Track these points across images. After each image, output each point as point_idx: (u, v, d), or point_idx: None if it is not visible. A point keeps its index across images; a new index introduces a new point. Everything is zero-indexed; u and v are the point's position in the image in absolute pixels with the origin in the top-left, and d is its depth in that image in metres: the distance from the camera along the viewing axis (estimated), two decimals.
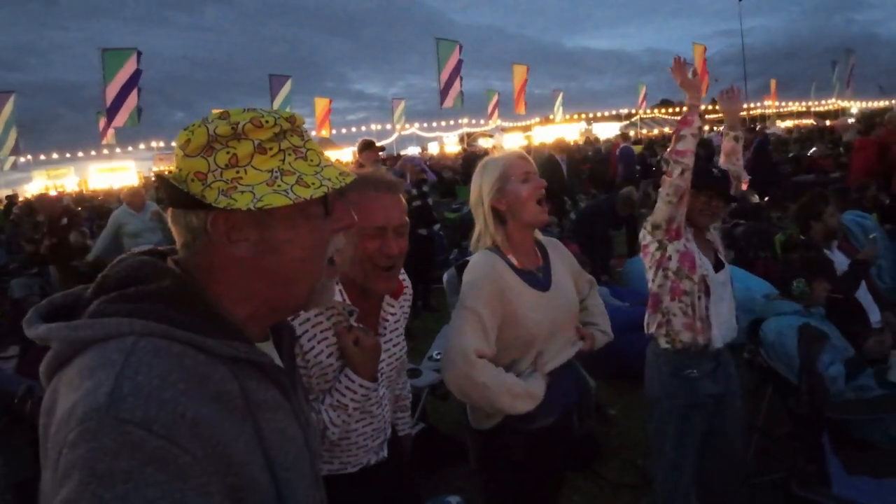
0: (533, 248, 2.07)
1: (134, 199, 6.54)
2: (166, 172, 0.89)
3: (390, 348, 1.70)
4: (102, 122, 19.52)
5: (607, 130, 35.04)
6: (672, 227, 2.41)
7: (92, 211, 13.82)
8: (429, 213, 7.00)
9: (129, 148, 28.65)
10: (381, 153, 6.83)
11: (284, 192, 0.83)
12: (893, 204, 6.34)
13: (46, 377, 0.80)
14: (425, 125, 37.62)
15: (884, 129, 8.23)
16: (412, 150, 29.72)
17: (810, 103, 40.96)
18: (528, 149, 14.54)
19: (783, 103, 42.90)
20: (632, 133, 33.87)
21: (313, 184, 0.86)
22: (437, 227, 7.61)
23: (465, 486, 3.17)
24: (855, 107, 35.58)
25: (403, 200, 1.62)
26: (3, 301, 6.98)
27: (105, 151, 26.35)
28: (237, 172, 0.83)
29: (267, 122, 0.85)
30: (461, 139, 34.95)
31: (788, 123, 35.84)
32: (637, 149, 17.76)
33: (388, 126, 32.06)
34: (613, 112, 45.77)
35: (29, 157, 26.02)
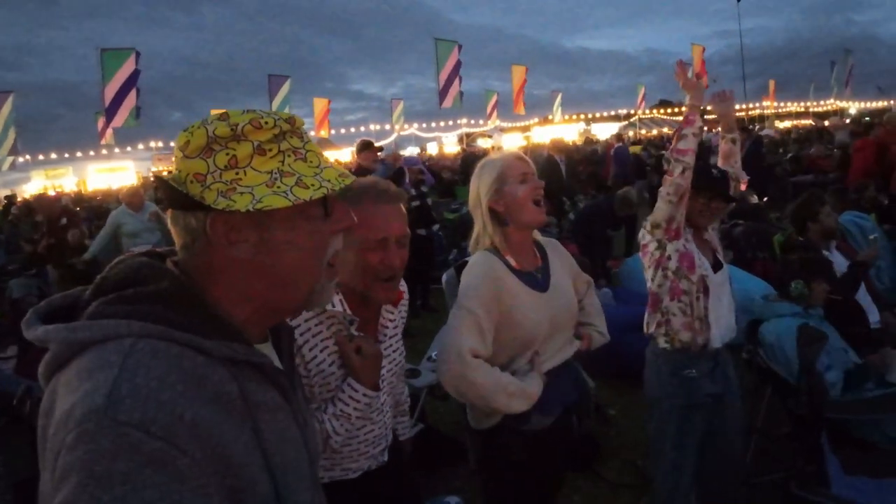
0: (532, 248, 2.07)
1: (133, 199, 6.53)
2: (165, 174, 0.89)
3: (390, 354, 1.70)
4: (101, 122, 19.51)
5: (606, 131, 35.08)
6: (672, 226, 2.41)
7: (90, 211, 13.82)
8: (428, 214, 7.00)
9: (128, 148, 28.67)
10: (379, 153, 6.83)
11: (284, 193, 0.83)
12: (892, 204, 6.35)
13: (45, 378, 0.80)
14: (424, 125, 37.68)
15: (882, 129, 8.23)
16: (411, 151, 29.73)
17: (809, 104, 41.03)
18: (526, 149, 14.58)
19: (782, 104, 42.97)
20: (631, 133, 33.93)
21: (313, 185, 0.85)
22: (436, 227, 7.62)
23: (464, 487, 3.17)
24: (853, 107, 35.60)
25: (404, 210, 1.61)
26: (2, 301, 6.96)
27: (104, 151, 26.32)
28: (236, 174, 0.83)
29: (266, 123, 0.84)
30: (460, 139, 34.96)
31: (787, 124, 35.92)
32: (636, 149, 17.78)
33: (387, 126, 32.09)
34: (612, 112, 45.83)
35: (27, 157, 26.00)
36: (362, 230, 1.45)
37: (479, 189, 2.00)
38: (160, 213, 6.18)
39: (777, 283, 3.37)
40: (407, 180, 6.85)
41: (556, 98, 33.84)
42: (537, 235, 2.12)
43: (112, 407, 0.69)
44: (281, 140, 0.86)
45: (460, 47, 20.90)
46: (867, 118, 16.71)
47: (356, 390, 1.53)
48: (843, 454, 2.66)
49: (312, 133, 25.65)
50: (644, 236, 2.54)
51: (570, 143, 20.11)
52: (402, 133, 32.85)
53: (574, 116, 42.97)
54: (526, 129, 37.43)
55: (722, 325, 2.48)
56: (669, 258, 2.46)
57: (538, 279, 2.00)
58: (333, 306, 1.53)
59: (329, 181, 0.87)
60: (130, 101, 15.11)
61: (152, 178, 21.52)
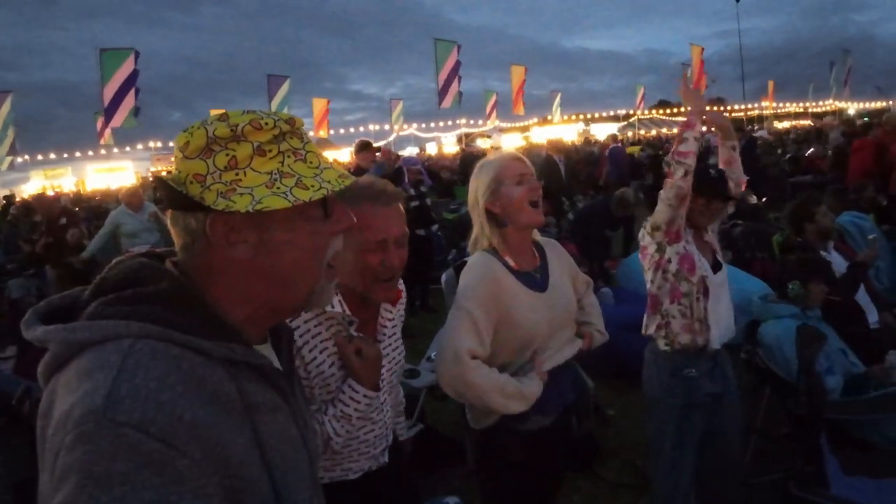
0: (530, 248, 2.07)
1: (132, 199, 6.53)
2: (165, 174, 0.89)
3: (389, 353, 1.69)
4: (100, 122, 19.50)
5: (605, 131, 35.09)
6: (672, 229, 2.41)
7: (89, 211, 13.81)
8: (427, 214, 7.00)
9: (127, 148, 28.68)
10: (378, 153, 6.83)
11: (283, 194, 0.83)
12: (891, 205, 6.35)
13: (44, 379, 0.80)
14: (423, 126, 37.68)
15: (881, 129, 8.23)
16: (410, 151, 29.73)
17: (808, 104, 41.07)
18: (524, 149, 14.56)
19: (780, 104, 43.02)
20: (630, 134, 33.94)
21: (312, 186, 0.85)
22: (435, 227, 7.62)
23: (463, 487, 3.17)
24: (852, 108, 35.63)
25: (402, 210, 1.61)
26: (1, 302, 6.97)
27: (102, 151, 26.32)
28: (236, 174, 0.83)
29: (266, 124, 0.84)
30: (459, 140, 34.96)
31: (786, 124, 35.95)
32: (635, 149, 17.80)
33: (387, 126, 32.09)
34: (611, 113, 45.84)
35: (26, 157, 26.00)
36: (361, 231, 1.45)
37: (476, 190, 2.00)
38: (159, 214, 6.18)
39: (775, 284, 3.37)
40: (406, 180, 6.85)
41: (555, 98, 33.88)
42: (536, 235, 2.12)
43: (111, 407, 0.69)
44: (281, 141, 0.86)
45: (459, 47, 20.92)
46: (865, 118, 16.72)
47: (356, 391, 1.53)
48: (843, 454, 2.66)
49: (311, 133, 25.63)
50: (644, 237, 2.54)
51: (570, 144, 20.12)
52: (401, 133, 32.89)
53: (573, 117, 42.95)
54: (525, 129, 37.42)
55: (721, 326, 2.49)
56: (669, 261, 2.46)
57: (537, 279, 2.00)
58: (332, 307, 1.53)
59: (329, 182, 0.87)
60: (129, 101, 15.12)
61: (151, 179, 21.55)
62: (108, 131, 19.34)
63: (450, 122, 34.91)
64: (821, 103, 38.24)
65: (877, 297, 3.94)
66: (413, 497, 1.91)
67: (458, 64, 20.77)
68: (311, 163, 0.88)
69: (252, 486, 0.79)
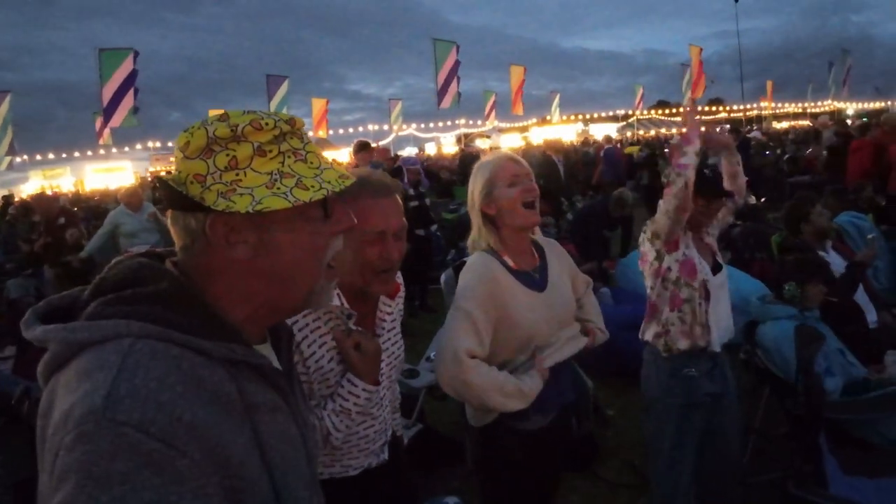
0: (529, 248, 2.07)
1: (132, 199, 6.52)
2: (165, 174, 0.89)
3: (389, 347, 1.69)
4: (99, 122, 19.45)
5: (604, 131, 35.10)
6: (671, 238, 2.42)
7: (88, 211, 13.81)
8: (426, 214, 7.01)
9: (126, 148, 28.66)
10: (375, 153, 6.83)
11: (284, 194, 0.83)
12: (889, 205, 6.36)
13: (44, 379, 0.80)
14: (422, 126, 37.68)
15: (880, 130, 8.24)
16: (409, 151, 29.74)
17: (806, 104, 41.08)
18: (522, 150, 14.58)
19: (779, 104, 43.04)
20: (629, 134, 33.94)
21: (313, 186, 0.86)
22: (434, 227, 7.62)
23: (462, 487, 3.17)
24: (851, 108, 35.67)
25: (400, 202, 1.61)
26: (0, 302, 6.96)
27: (101, 152, 26.30)
28: (236, 175, 0.83)
29: (267, 124, 0.84)
30: (458, 140, 34.97)
31: (784, 124, 35.96)
32: (633, 149, 17.80)
33: (386, 126, 32.07)
34: (610, 113, 45.82)
35: (25, 157, 25.95)
36: (360, 224, 1.45)
37: (473, 192, 2.01)
38: (158, 214, 6.18)
39: (774, 284, 3.38)
40: (406, 180, 6.86)
41: (554, 98, 33.87)
42: (536, 234, 2.12)
43: (111, 407, 0.69)
44: (281, 141, 0.86)
45: (458, 48, 20.91)
46: (864, 119, 16.74)
47: (355, 385, 1.53)
48: (842, 454, 2.67)
49: (310, 133, 25.61)
50: (643, 243, 2.55)
51: (568, 144, 20.14)
52: (400, 133, 32.87)
53: (572, 117, 42.97)
54: (524, 129, 37.40)
55: (721, 328, 2.49)
56: (669, 269, 2.47)
57: (535, 279, 2.00)
58: (331, 301, 1.53)
59: (329, 182, 0.87)
60: (128, 100, 15.09)
61: (150, 179, 21.55)
62: (106, 131, 19.31)
63: (449, 123, 34.93)
64: (819, 104, 38.23)
65: (875, 296, 3.95)
66: (411, 495, 1.91)
67: (457, 64, 20.76)
68: (311, 163, 0.88)
69: (252, 485, 0.79)
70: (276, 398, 0.90)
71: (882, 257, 4.58)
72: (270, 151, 0.85)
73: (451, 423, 3.92)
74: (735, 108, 41.81)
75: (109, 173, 30.06)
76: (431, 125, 36.58)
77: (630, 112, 38.36)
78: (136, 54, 15.28)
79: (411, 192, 6.70)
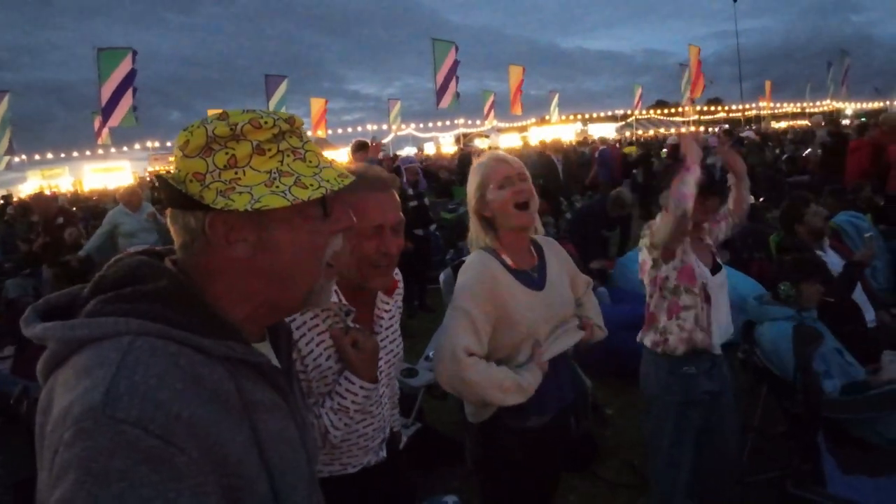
0: (527, 247, 2.07)
1: (131, 198, 6.52)
2: (163, 173, 0.89)
3: (387, 345, 1.69)
4: (97, 121, 19.41)
5: (603, 131, 35.13)
6: (669, 251, 2.44)
7: (87, 211, 13.79)
8: (425, 214, 7.01)
9: (125, 148, 28.61)
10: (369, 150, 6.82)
11: (282, 193, 0.83)
12: (888, 205, 6.37)
13: (43, 376, 0.80)
14: (421, 126, 37.69)
15: (878, 130, 8.24)
16: (408, 151, 29.73)
17: (805, 104, 41.10)
18: (519, 150, 14.58)
19: (778, 104, 43.07)
20: (627, 133, 33.94)
21: (311, 185, 0.86)
22: (433, 227, 7.62)
23: (461, 486, 3.17)
24: (850, 108, 35.70)
25: (397, 197, 1.61)
26: None
27: (100, 151, 26.22)
28: (235, 173, 0.83)
29: (266, 123, 0.84)
30: (457, 140, 34.96)
31: (783, 124, 35.98)
32: (632, 149, 17.81)
33: (385, 126, 32.03)
34: (609, 113, 45.86)
35: (23, 156, 25.87)
36: (357, 218, 1.45)
37: (468, 194, 2.03)
38: (157, 214, 6.18)
39: (771, 284, 3.38)
40: (405, 179, 6.85)
41: (553, 98, 33.86)
42: (539, 231, 2.12)
43: (110, 404, 0.69)
44: (280, 140, 0.86)
45: (457, 47, 20.89)
46: (863, 119, 16.76)
47: (353, 383, 1.52)
48: (841, 453, 2.67)
49: (309, 133, 25.47)
50: (642, 251, 2.56)
51: (567, 144, 20.13)
52: (399, 133, 32.85)
53: (571, 117, 43.00)
54: (523, 129, 37.40)
55: (721, 329, 2.50)
56: (667, 278, 2.48)
57: (534, 278, 2.00)
58: (330, 299, 1.52)
59: (328, 181, 0.88)
60: (127, 100, 15.05)
61: (149, 178, 21.52)
62: (105, 131, 19.25)
63: (448, 122, 34.93)
64: (818, 104, 38.26)
65: (873, 295, 3.95)
66: (410, 493, 1.91)
67: (455, 64, 20.74)
68: (310, 162, 0.88)
69: (250, 484, 0.80)
70: (274, 397, 0.90)
71: (880, 257, 4.58)
72: (269, 150, 0.85)
73: (451, 423, 3.92)
74: (734, 108, 41.84)
75: (108, 173, 30.03)
76: (430, 125, 36.60)
77: (629, 112, 38.37)
78: (135, 54, 15.24)
79: (410, 191, 6.70)
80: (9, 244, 9.18)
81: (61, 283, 6.10)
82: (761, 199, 8.79)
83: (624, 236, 8.06)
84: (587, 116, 45.60)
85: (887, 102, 36.33)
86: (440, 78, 20.51)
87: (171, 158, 0.89)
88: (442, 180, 14.50)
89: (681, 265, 2.46)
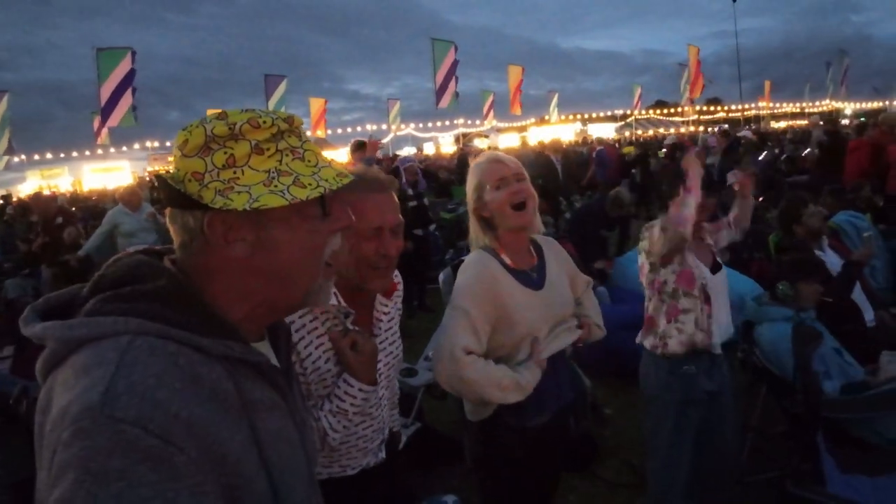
0: (527, 247, 2.07)
1: (131, 198, 6.52)
2: (163, 172, 0.89)
3: (387, 347, 1.68)
4: (97, 121, 19.39)
5: (603, 131, 35.14)
6: (666, 258, 2.45)
7: (86, 211, 13.78)
8: (424, 214, 7.01)
9: (124, 148, 28.58)
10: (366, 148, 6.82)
11: (281, 192, 0.83)
12: (887, 205, 6.37)
13: (42, 375, 0.80)
14: (421, 125, 37.66)
15: (877, 130, 8.25)
16: (408, 151, 29.72)
17: (804, 104, 41.11)
18: (517, 150, 14.59)
19: (777, 104, 43.08)
20: (627, 133, 33.94)
21: (310, 184, 0.85)
22: (432, 227, 7.62)
23: (461, 486, 3.17)
24: (849, 108, 35.71)
25: (396, 199, 1.60)
26: None
27: (99, 151, 26.20)
28: (234, 173, 0.83)
29: (264, 122, 0.84)
30: (457, 139, 34.95)
31: (782, 124, 35.98)
32: (631, 149, 17.82)
33: (384, 126, 32.02)
34: (609, 113, 45.88)
35: (23, 157, 25.83)
36: (356, 220, 1.45)
37: (467, 194, 2.03)
38: (157, 214, 6.17)
39: (770, 284, 3.38)
40: (404, 180, 6.85)
41: (552, 98, 33.86)
42: (540, 231, 2.12)
43: (108, 404, 0.69)
44: (279, 139, 0.86)
45: (457, 47, 20.89)
46: (862, 118, 16.78)
47: (352, 386, 1.51)
48: (841, 453, 2.67)
49: (308, 133, 25.47)
50: (640, 255, 2.57)
51: (567, 144, 20.14)
52: (398, 133, 32.84)
53: (570, 117, 43.01)
54: (522, 129, 37.39)
55: (722, 328, 2.51)
56: (665, 282, 2.49)
57: (533, 278, 2.01)
58: (329, 299, 1.52)
59: (327, 181, 0.87)
60: (126, 100, 15.03)
61: (148, 178, 21.50)
62: (104, 131, 19.23)
63: (447, 122, 34.92)
64: (817, 103, 38.26)
65: (873, 295, 3.95)
66: (408, 493, 1.91)
67: (455, 64, 20.74)
68: (309, 161, 0.88)
69: (249, 483, 0.80)
70: (273, 396, 0.90)
71: (880, 256, 4.58)
72: (268, 149, 0.85)
73: (450, 422, 3.92)
74: (733, 107, 41.84)
75: (107, 173, 30.01)
76: (430, 125, 36.57)
77: (628, 112, 38.38)
78: (134, 53, 15.22)
79: (410, 192, 6.70)
80: (8, 244, 9.18)
81: (60, 282, 6.10)
82: (760, 199, 8.79)
83: (623, 236, 8.07)
84: (587, 116, 45.62)
85: (886, 102, 36.36)
86: (439, 78, 20.51)
87: (171, 158, 0.89)
88: (441, 180, 14.49)
89: (679, 269, 2.46)
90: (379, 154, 7.06)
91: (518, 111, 26.31)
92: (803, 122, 33.17)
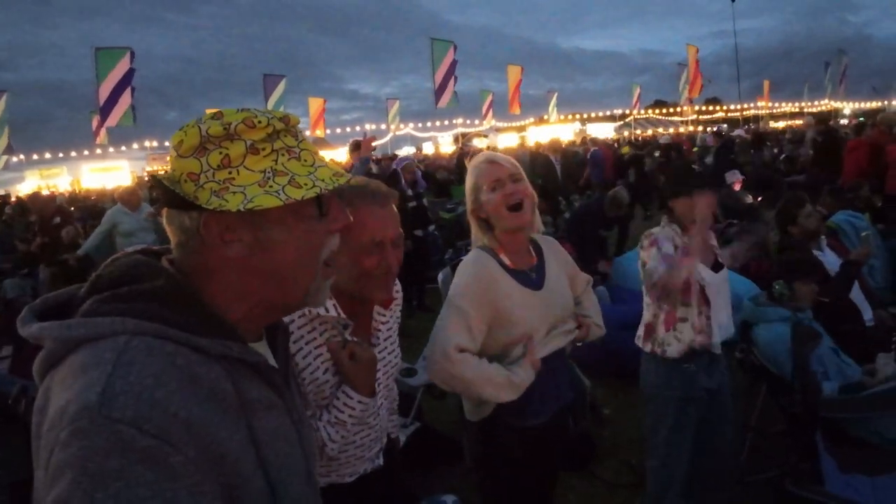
0: (526, 247, 2.07)
1: (130, 198, 6.52)
2: (161, 173, 0.89)
3: (385, 356, 1.67)
4: (95, 121, 19.38)
5: (602, 131, 35.13)
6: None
7: (85, 211, 13.76)
8: (424, 215, 7.02)
9: (123, 147, 28.53)
10: (373, 151, 6.82)
11: (276, 192, 0.83)
12: (886, 205, 6.38)
13: (39, 376, 0.80)
14: (420, 125, 37.59)
15: (876, 129, 8.26)
16: (407, 150, 29.71)
17: (803, 104, 41.12)
18: (514, 151, 14.59)
19: (776, 104, 43.10)
20: (626, 133, 33.95)
21: (306, 184, 0.85)
22: (431, 227, 7.63)
23: (460, 485, 3.17)
24: (848, 108, 35.74)
25: (397, 212, 1.59)
26: None
27: (98, 151, 26.19)
28: (229, 173, 0.83)
29: (260, 122, 0.84)
30: (456, 139, 34.91)
31: (781, 124, 36.00)
32: (627, 150, 17.84)
33: (383, 126, 32.00)
34: (608, 112, 45.85)
35: (21, 156, 25.81)
36: (357, 233, 1.44)
37: (466, 195, 2.04)
38: (156, 214, 6.17)
39: (767, 284, 3.39)
40: (403, 181, 6.85)
41: (551, 98, 33.85)
42: (538, 231, 2.12)
43: (106, 404, 0.69)
44: (275, 139, 0.86)
45: (456, 47, 20.90)
46: (861, 118, 16.81)
47: (351, 397, 1.51)
48: (840, 452, 2.67)
49: (308, 132, 25.56)
50: (639, 267, 2.57)
51: (567, 144, 20.14)
52: (397, 133, 32.82)
53: (570, 116, 42.98)
54: (521, 128, 37.38)
55: (722, 329, 2.51)
56: None
57: (532, 278, 2.01)
58: (327, 311, 1.50)
59: (323, 180, 0.87)
60: (125, 100, 15.03)
61: (147, 178, 21.47)
62: (103, 131, 19.23)
63: (446, 122, 34.88)
64: (816, 103, 38.28)
65: (871, 294, 3.95)
66: (406, 495, 1.91)
67: (454, 63, 20.74)
68: (305, 161, 0.88)
69: (247, 482, 0.80)
70: (272, 396, 0.90)
71: (878, 256, 4.58)
72: (263, 149, 0.85)
73: (450, 422, 3.92)
74: (732, 107, 41.86)
75: (106, 173, 29.94)
76: (429, 124, 36.50)
77: (627, 112, 38.38)
78: (133, 53, 15.22)
79: (409, 192, 6.70)
80: (7, 244, 9.17)
81: (59, 282, 6.09)
82: (759, 199, 8.80)
83: (622, 236, 8.07)
84: (586, 116, 45.59)
85: (885, 102, 36.40)
86: (439, 77, 20.52)
87: (169, 158, 0.88)
88: (440, 180, 14.49)
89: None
90: (378, 154, 7.05)
91: (517, 111, 26.34)
92: (801, 122, 33.21)
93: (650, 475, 2.65)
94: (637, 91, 34.23)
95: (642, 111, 40.89)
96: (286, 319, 1.30)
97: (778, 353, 3.03)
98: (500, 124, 35.15)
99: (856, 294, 3.73)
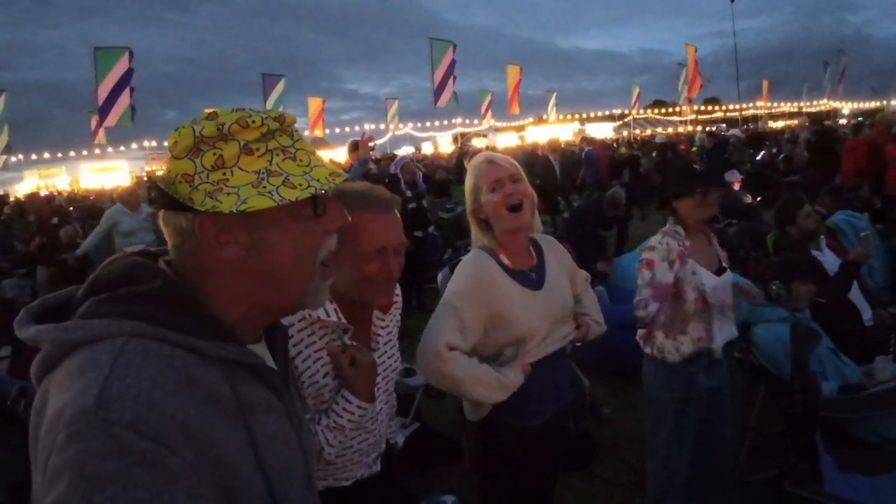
0: (526, 247, 2.07)
1: (130, 198, 6.51)
2: (159, 174, 0.88)
3: (385, 361, 1.67)
4: (94, 121, 19.38)
5: (601, 131, 35.14)
6: None
7: (83, 211, 13.74)
8: (423, 216, 7.02)
9: (122, 147, 28.50)
10: (372, 151, 6.81)
11: (269, 193, 0.82)
12: (885, 205, 6.38)
13: (37, 378, 0.79)
14: (419, 125, 37.56)
15: (874, 129, 8.27)
16: (406, 150, 29.70)
17: (802, 104, 41.15)
18: (513, 151, 14.60)
19: (775, 104, 43.12)
20: (625, 133, 33.97)
21: (300, 185, 0.84)
22: (431, 228, 7.63)
23: (460, 485, 3.17)
24: (847, 107, 35.78)
25: (399, 218, 1.58)
26: None
27: (97, 151, 26.17)
28: (224, 174, 0.82)
29: (254, 122, 0.83)
30: (455, 139, 34.92)
31: (780, 124, 36.02)
32: (623, 150, 17.85)
33: (382, 126, 31.98)
34: (607, 112, 45.85)
35: (20, 156, 25.80)
36: (360, 239, 1.44)
37: (466, 196, 2.03)
38: (156, 214, 6.16)
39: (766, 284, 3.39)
40: (403, 183, 6.84)
41: (550, 98, 33.85)
42: (538, 231, 2.12)
43: (103, 407, 0.69)
44: (269, 139, 0.85)
45: (455, 47, 20.91)
46: (860, 118, 16.83)
47: (350, 402, 1.50)
48: (839, 452, 2.67)
49: (306, 132, 25.56)
50: (638, 275, 2.57)
51: (566, 143, 20.14)
52: (396, 133, 32.81)
53: (569, 116, 42.98)
54: (521, 128, 37.39)
55: (724, 331, 2.51)
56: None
57: (532, 278, 2.00)
58: (328, 315, 1.50)
59: (318, 180, 0.86)
60: (124, 100, 15.02)
61: (146, 178, 21.46)
62: (102, 131, 19.25)
63: (445, 122, 34.85)
64: (815, 103, 38.29)
65: (870, 294, 3.95)
66: (405, 495, 1.90)
67: (453, 63, 20.75)
68: (300, 161, 0.87)
69: (246, 485, 0.79)
70: (270, 398, 0.90)
71: (877, 256, 4.58)
72: (258, 150, 0.84)
73: (449, 422, 3.91)
74: (731, 107, 41.88)
75: (105, 173, 29.93)
76: (428, 124, 36.47)
77: (626, 111, 38.39)
78: (132, 53, 15.20)
79: (408, 193, 6.70)
80: (6, 244, 9.16)
81: (58, 282, 6.08)
82: (758, 199, 8.80)
83: (621, 236, 8.07)
84: (585, 116, 45.59)
85: (884, 102, 36.43)
86: (438, 77, 20.52)
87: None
88: (439, 180, 14.49)
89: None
90: (377, 154, 7.04)
91: (516, 111, 26.36)
92: (796, 123, 33.24)
93: (650, 477, 2.65)
94: (636, 91, 34.26)
95: (641, 111, 40.89)
96: (286, 322, 1.29)
97: (777, 354, 3.03)
98: (500, 124, 35.16)
99: (855, 294, 3.72)
